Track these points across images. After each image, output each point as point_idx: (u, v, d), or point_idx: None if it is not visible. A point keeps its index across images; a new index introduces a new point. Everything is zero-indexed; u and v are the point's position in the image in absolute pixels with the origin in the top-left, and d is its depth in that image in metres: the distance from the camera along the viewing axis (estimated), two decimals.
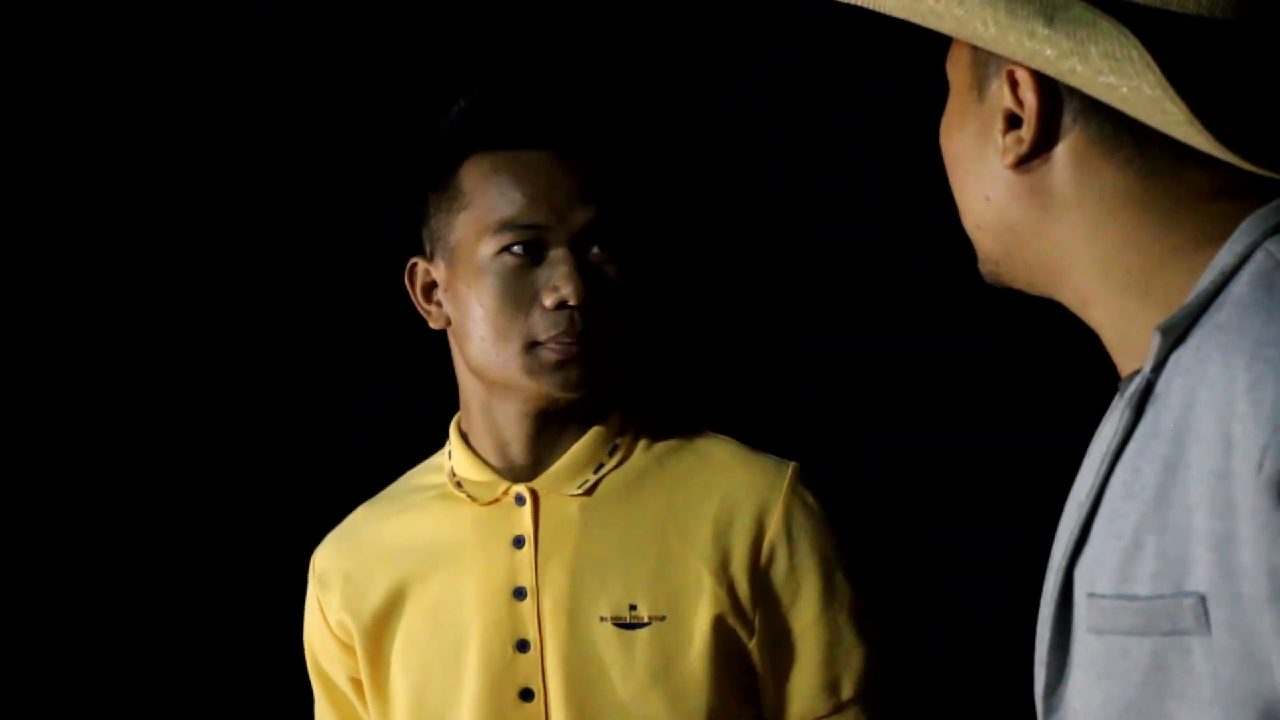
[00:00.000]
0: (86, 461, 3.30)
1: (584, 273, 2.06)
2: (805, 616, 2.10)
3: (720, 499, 2.10)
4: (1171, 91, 1.23)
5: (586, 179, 2.08)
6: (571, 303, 2.04)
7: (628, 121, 2.36)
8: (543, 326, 2.05)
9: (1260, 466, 1.16)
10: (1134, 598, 1.24)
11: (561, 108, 2.12)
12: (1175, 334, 1.26)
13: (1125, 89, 1.25)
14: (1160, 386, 1.27)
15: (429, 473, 2.22)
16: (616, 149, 2.14)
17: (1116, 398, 1.38)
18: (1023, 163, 1.33)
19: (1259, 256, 1.25)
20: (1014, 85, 1.32)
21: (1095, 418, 1.42)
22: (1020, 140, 1.33)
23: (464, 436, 2.17)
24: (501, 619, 2.09)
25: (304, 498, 2.79)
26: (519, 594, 2.10)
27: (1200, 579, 1.20)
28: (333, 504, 2.29)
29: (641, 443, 2.15)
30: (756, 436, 2.19)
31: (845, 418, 3.37)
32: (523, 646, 2.09)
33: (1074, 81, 1.27)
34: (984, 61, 1.35)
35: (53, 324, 3.27)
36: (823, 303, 3.39)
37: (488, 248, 2.07)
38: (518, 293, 2.06)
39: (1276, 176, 1.25)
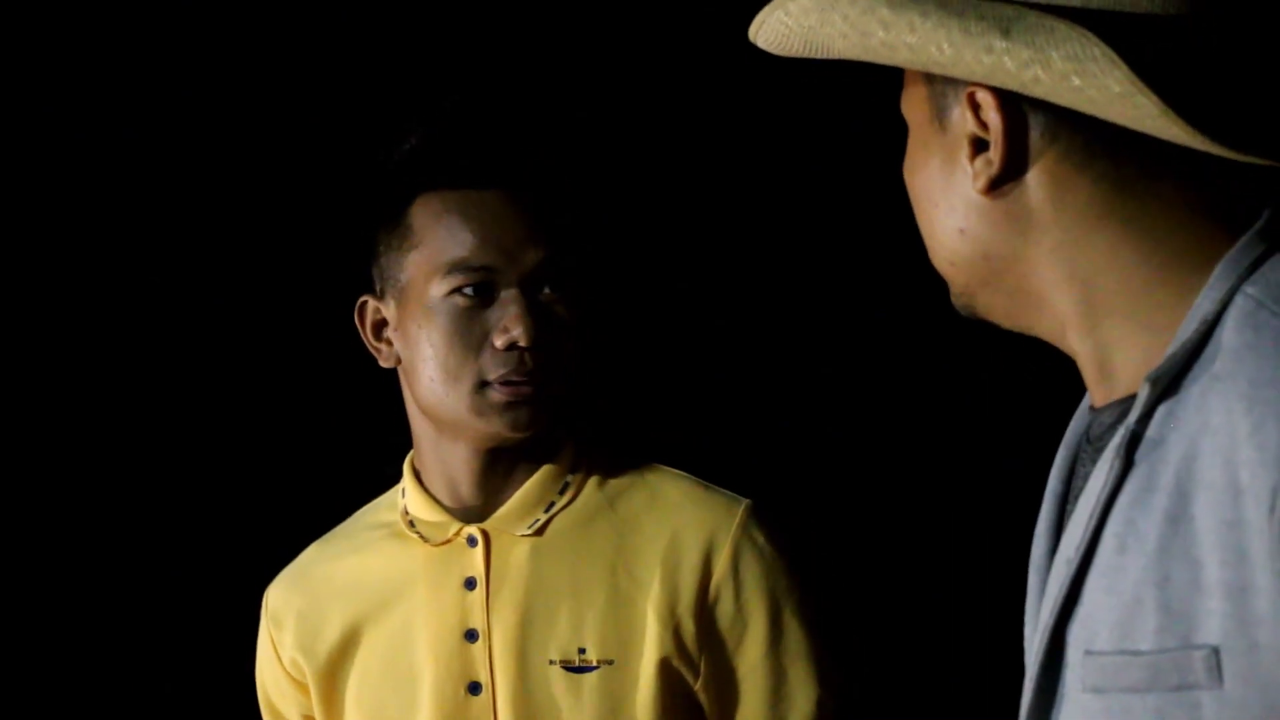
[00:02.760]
0: (42, 495, 3.28)
1: (535, 313, 2.05)
2: (750, 657, 2.10)
3: (670, 540, 2.10)
4: (1141, 84, 1.20)
5: (536, 219, 2.08)
6: (522, 344, 2.04)
7: (577, 161, 2.35)
8: (493, 367, 2.05)
9: (1272, 509, 1.15)
10: (1137, 653, 1.22)
11: (511, 147, 2.11)
12: (1164, 384, 1.24)
13: (1093, 90, 1.22)
14: (1151, 437, 1.25)
15: (383, 510, 2.20)
16: (566, 188, 2.13)
17: (1083, 443, 1.35)
18: (995, 186, 1.30)
19: (1239, 301, 1.23)
20: (976, 108, 1.29)
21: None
22: (989, 163, 1.29)
23: (417, 474, 2.16)
24: (453, 661, 2.09)
25: (259, 530, 2.77)
26: (470, 636, 2.09)
27: (1212, 631, 1.18)
28: (288, 538, 2.27)
29: (593, 480, 2.14)
30: (712, 472, 2.17)
31: (804, 450, 3.36)
32: (475, 689, 2.08)
33: (1038, 91, 1.24)
34: (941, 91, 1.32)
35: None
36: (778, 337, 3.39)
37: (438, 289, 2.07)
38: (468, 334, 2.05)
39: (1254, 161, 1.23)
